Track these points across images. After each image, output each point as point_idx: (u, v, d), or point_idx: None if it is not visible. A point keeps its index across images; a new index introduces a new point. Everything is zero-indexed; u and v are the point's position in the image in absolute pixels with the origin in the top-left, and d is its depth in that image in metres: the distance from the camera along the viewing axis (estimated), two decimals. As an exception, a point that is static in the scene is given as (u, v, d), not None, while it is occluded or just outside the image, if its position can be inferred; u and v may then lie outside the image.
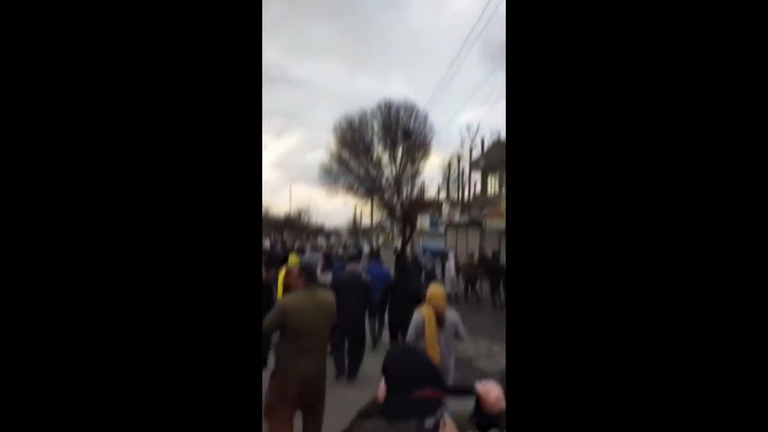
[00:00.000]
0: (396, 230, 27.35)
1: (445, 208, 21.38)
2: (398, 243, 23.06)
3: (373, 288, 6.10)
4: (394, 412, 1.32)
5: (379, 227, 34.13)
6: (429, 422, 1.27)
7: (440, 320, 3.66)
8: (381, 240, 31.99)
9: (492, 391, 1.35)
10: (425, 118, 20.95)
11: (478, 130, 25.84)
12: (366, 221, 35.60)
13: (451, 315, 3.75)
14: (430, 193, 22.91)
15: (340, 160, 20.85)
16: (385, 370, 1.42)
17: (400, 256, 9.14)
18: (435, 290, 3.81)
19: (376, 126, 20.78)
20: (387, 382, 1.39)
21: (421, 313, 3.68)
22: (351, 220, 40.48)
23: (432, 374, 1.34)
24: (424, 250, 15.45)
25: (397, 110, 20.85)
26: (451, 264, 11.86)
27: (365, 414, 1.47)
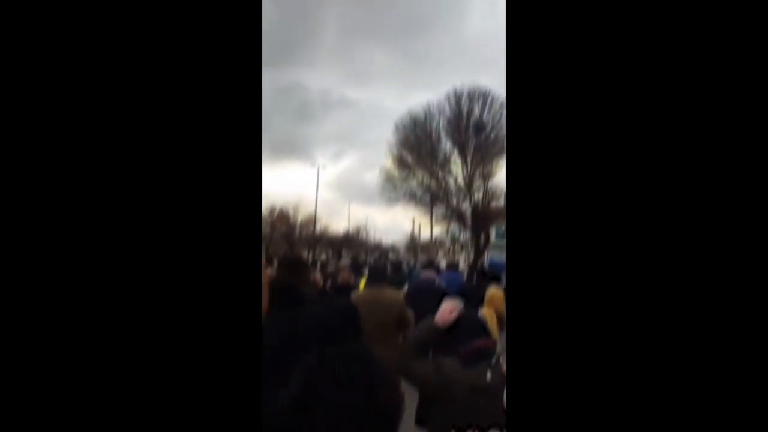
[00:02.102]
0: (458, 244, 25.95)
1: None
2: (459, 258, 22.24)
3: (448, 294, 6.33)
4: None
5: (437, 242, 32.90)
6: (493, 360, 1.62)
7: (501, 321, 3.82)
8: (440, 256, 31.32)
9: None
10: (501, 106, 17.76)
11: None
12: (424, 235, 35.07)
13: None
14: (500, 201, 20.40)
15: (402, 164, 19.20)
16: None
17: (475, 266, 9.61)
18: (494, 292, 4.00)
19: (443, 121, 18.67)
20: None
21: (482, 314, 3.86)
22: (408, 235, 40.38)
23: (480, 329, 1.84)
24: (491, 264, 15.41)
25: (469, 99, 18.38)
26: None
27: (427, 332, 1.82)
